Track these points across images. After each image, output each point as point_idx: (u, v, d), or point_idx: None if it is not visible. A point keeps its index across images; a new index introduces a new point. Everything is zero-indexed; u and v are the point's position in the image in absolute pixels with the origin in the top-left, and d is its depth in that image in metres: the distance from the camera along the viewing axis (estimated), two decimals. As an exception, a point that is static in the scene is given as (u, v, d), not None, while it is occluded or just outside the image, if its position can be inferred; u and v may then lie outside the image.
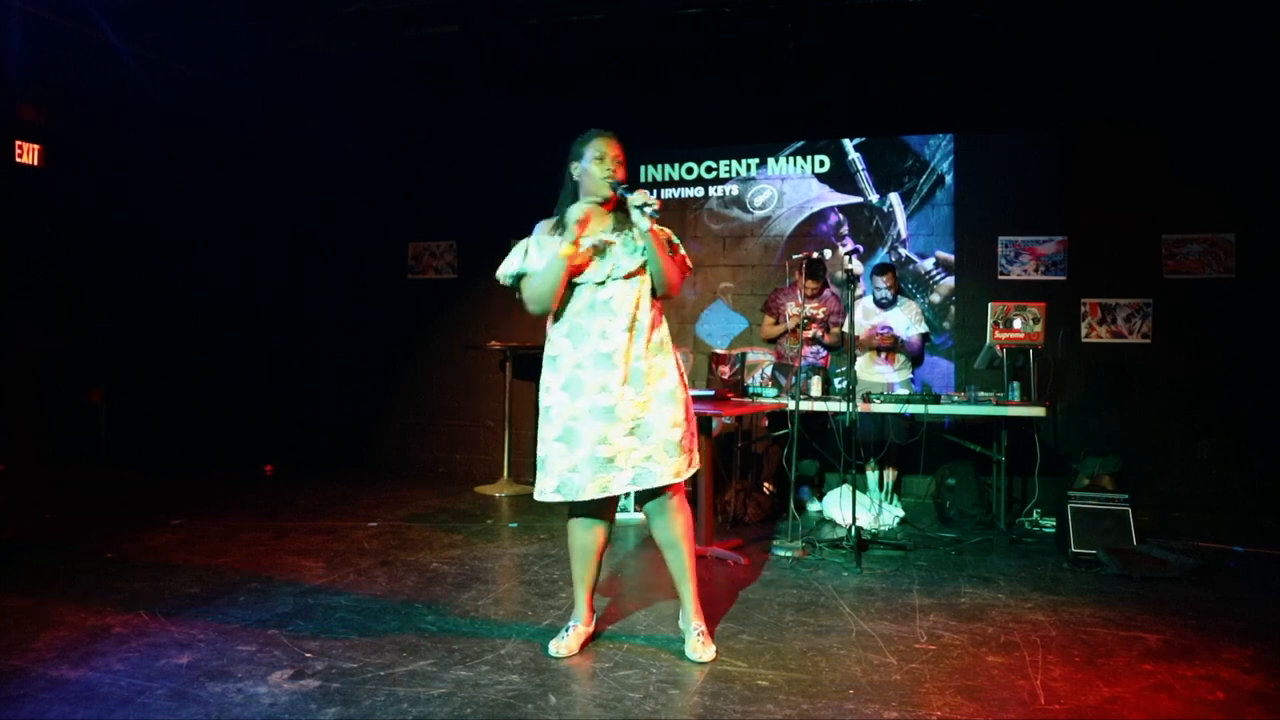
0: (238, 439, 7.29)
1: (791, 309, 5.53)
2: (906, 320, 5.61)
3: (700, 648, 2.90)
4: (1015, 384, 5.11)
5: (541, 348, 3.01)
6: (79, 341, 6.28)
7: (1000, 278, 6.22)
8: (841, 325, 5.35)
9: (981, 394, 5.05)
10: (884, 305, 5.64)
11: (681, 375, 3.01)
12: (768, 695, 2.60)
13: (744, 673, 2.78)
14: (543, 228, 3.00)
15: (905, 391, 5.44)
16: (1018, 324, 5.08)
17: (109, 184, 6.40)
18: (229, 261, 7.34)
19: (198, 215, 7.01)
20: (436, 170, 7.32)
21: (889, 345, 5.57)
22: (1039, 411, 4.91)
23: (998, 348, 5.17)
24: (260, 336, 7.55)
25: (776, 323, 5.68)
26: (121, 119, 6.41)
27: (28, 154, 5.92)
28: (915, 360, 5.75)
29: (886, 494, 5.59)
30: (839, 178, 6.56)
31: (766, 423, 5.72)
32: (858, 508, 4.55)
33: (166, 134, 6.64)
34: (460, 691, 2.59)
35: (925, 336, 5.73)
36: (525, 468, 6.84)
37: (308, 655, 2.87)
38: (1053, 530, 4.97)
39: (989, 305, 5.20)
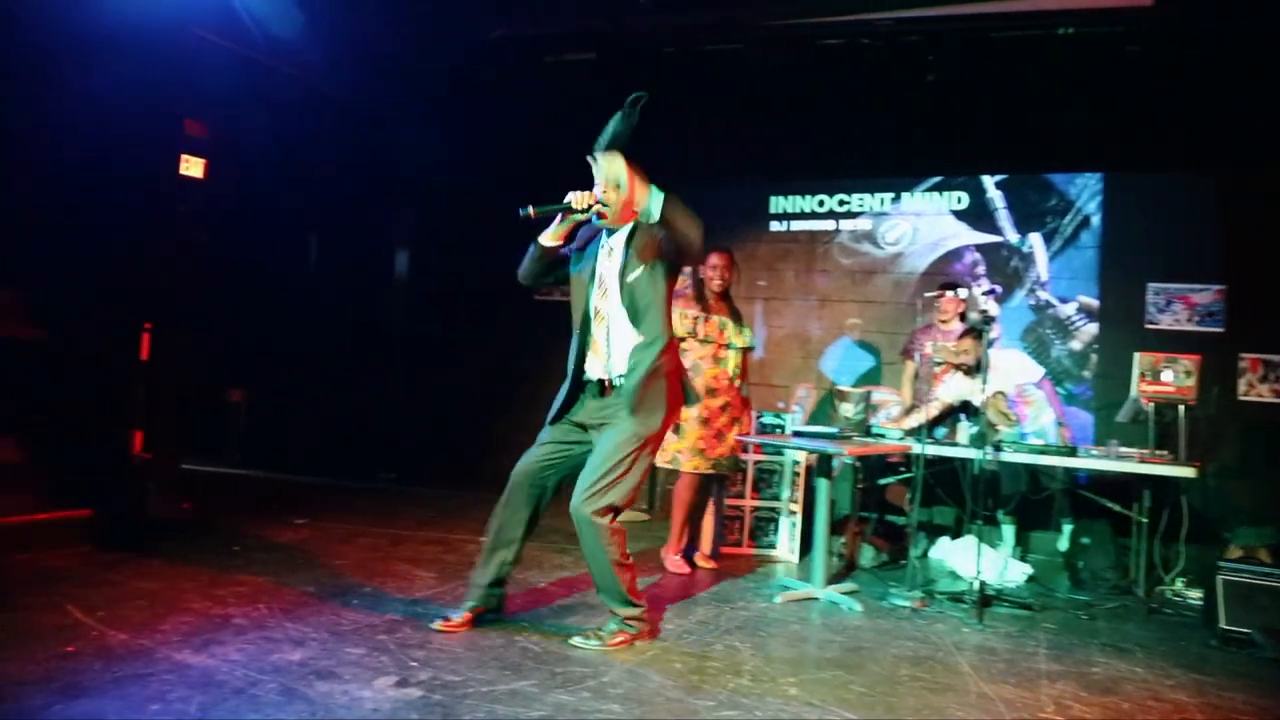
0: (363, 447, 7.55)
1: (929, 348, 5.31)
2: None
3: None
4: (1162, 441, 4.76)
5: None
6: (225, 347, 6.63)
7: (1148, 326, 5.85)
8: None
9: (1124, 450, 4.73)
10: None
11: None
12: (878, 752, 2.46)
13: (853, 725, 2.65)
14: None
15: (1039, 442, 5.14)
16: (1167, 376, 4.74)
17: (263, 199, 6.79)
18: (370, 281, 7.65)
19: (344, 232, 7.35)
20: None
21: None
22: (1189, 472, 4.54)
23: (1144, 400, 4.83)
24: (396, 354, 7.83)
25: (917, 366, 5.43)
26: (277, 133, 6.77)
27: (193, 167, 6.32)
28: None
29: (1011, 548, 5.28)
30: (976, 215, 6.33)
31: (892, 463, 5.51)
32: (982, 560, 4.32)
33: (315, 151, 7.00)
34: (560, 715, 2.56)
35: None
36: (653, 494, 6.85)
37: (413, 664, 2.90)
38: (1197, 602, 4.58)
39: (1135, 355, 4.87)
